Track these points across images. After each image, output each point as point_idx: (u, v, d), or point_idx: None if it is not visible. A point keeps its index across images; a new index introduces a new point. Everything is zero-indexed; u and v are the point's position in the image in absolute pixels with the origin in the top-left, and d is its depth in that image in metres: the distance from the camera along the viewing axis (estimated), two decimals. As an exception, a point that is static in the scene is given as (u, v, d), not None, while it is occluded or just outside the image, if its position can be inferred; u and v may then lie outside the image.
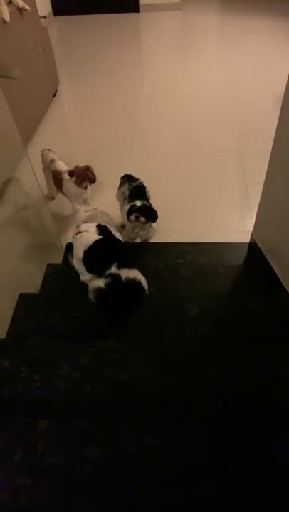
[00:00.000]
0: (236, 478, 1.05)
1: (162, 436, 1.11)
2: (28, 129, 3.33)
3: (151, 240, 2.57)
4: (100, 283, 1.62)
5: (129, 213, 2.25)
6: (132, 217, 2.23)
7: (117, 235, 1.96)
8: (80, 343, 1.50)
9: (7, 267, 2.04)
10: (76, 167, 2.38)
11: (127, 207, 2.30)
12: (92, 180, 2.42)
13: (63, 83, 4.13)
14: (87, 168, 2.37)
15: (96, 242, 1.75)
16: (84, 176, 2.36)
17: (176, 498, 1.02)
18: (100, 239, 1.77)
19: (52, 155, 2.53)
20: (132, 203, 2.25)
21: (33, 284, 2.09)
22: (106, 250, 1.76)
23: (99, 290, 1.61)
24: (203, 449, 1.09)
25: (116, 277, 1.61)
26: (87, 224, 1.91)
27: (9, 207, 2.47)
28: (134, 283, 1.63)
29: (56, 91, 3.98)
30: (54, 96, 3.94)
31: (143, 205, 2.23)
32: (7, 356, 1.44)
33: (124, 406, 1.26)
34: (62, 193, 2.54)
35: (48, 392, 1.32)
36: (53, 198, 2.84)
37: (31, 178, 2.45)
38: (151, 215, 2.27)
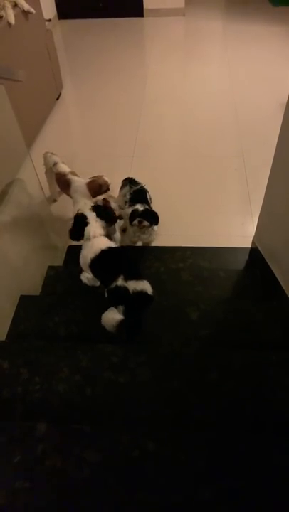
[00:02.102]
0: (235, 484, 1.04)
1: (161, 440, 1.11)
2: (31, 132, 3.34)
3: (153, 244, 2.57)
4: (117, 315, 1.57)
5: (132, 218, 2.25)
6: (136, 222, 2.23)
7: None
8: (80, 345, 1.49)
9: (8, 268, 2.04)
10: (93, 180, 2.34)
11: (128, 210, 2.31)
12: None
13: (67, 86, 4.15)
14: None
15: (104, 252, 1.75)
16: (98, 191, 2.34)
17: (175, 502, 1.01)
18: (108, 248, 1.77)
19: (54, 157, 2.53)
20: (134, 208, 2.26)
21: (34, 285, 2.09)
22: (113, 260, 1.76)
23: (120, 322, 1.55)
24: (203, 454, 1.09)
25: (123, 290, 1.59)
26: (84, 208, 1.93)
27: (11, 209, 2.47)
28: (142, 295, 1.60)
29: (60, 94, 3.99)
30: (57, 99, 3.96)
31: (145, 210, 2.24)
32: (7, 358, 1.44)
33: (124, 409, 1.26)
34: (67, 194, 2.54)
35: (48, 394, 1.31)
36: (55, 201, 2.84)
37: (34, 181, 2.46)
38: (154, 218, 2.27)
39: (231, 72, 4.41)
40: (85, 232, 1.83)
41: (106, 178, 2.31)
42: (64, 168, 2.49)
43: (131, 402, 1.29)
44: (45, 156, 2.59)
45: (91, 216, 1.87)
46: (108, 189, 2.35)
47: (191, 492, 1.03)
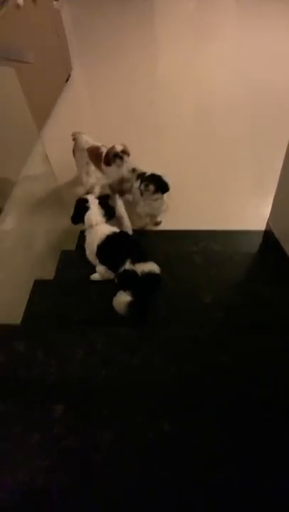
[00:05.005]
0: (248, 466, 1.05)
1: (175, 422, 1.12)
2: (41, 115, 3.31)
3: (165, 227, 2.56)
4: (126, 297, 1.60)
5: (140, 183, 2.25)
6: (142, 186, 2.22)
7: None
8: (95, 328, 1.51)
9: (22, 253, 2.06)
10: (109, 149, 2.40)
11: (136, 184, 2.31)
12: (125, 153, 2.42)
13: (76, 67, 4.08)
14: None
15: (109, 237, 1.75)
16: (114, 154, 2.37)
17: (189, 483, 1.03)
18: (114, 233, 1.77)
19: (84, 136, 2.57)
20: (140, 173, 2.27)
21: (48, 270, 2.10)
22: (119, 245, 1.76)
23: (129, 305, 1.59)
24: (216, 435, 1.10)
25: (132, 274, 1.60)
26: (90, 195, 1.95)
27: (23, 193, 2.48)
28: (151, 276, 1.61)
29: (69, 75, 3.93)
30: (67, 81, 3.90)
31: (152, 175, 2.24)
32: (23, 341, 1.46)
33: (138, 391, 1.27)
34: (100, 169, 2.55)
35: (64, 376, 1.34)
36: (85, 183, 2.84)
37: (45, 164, 2.46)
38: (161, 184, 2.24)
39: (244, 50, 4.28)
40: (86, 219, 1.83)
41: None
42: (95, 143, 2.53)
43: (145, 384, 1.30)
44: (76, 136, 2.60)
45: (93, 202, 1.87)
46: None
47: (204, 472, 1.04)
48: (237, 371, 1.33)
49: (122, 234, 1.85)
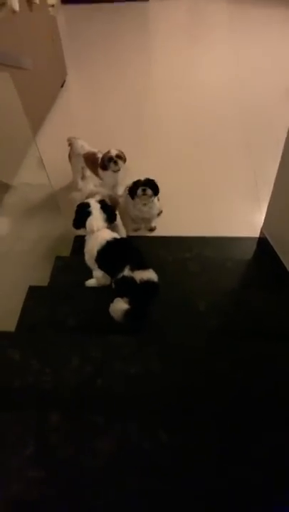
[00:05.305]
0: (248, 474, 1.05)
1: (173, 431, 1.11)
2: (36, 120, 3.31)
3: (158, 233, 2.56)
4: (123, 304, 1.59)
5: (134, 189, 2.27)
6: (140, 191, 2.25)
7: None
8: (90, 336, 1.50)
9: (16, 259, 2.04)
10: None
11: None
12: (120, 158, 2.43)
13: (71, 73, 4.09)
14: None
15: (109, 242, 1.74)
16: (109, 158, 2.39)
17: (186, 494, 1.02)
18: (114, 239, 1.76)
19: (80, 141, 2.57)
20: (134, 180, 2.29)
21: (42, 276, 2.09)
22: (119, 251, 1.75)
23: (126, 312, 1.57)
24: (215, 445, 1.09)
25: (130, 281, 1.59)
26: (92, 199, 1.92)
27: (17, 197, 2.46)
28: (149, 284, 1.61)
29: (64, 81, 3.94)
30: (62, 86, 3.91)
31: (147, 179, 2.27)
32: (18, 349, 1.44)
33: (135, 400, 1.27)
34: (96, 175, 2.56)
35: (59, 385, 1.32)
36: (81, 189, 2.83)
37: (40, 169, 2.44)
38: (155, 188, 2.29)
39: (237, 56, 4.33)
40: (87, 225, 1.81)
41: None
42: (92, 149, 2.54)
43: (142, 393, 1.29)
44: (72, 141, 2.60)
45: (95, 207, 1.86)
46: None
47: (201, 484, 1.04)
48: (233, 379, 1.33)
49: (123, 240, 1.84)
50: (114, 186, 2.57)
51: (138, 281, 1.60)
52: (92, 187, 2.42)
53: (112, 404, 1.24)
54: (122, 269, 1.63)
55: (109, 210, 1.89)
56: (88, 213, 1.82)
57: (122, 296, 1.63)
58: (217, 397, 1.28)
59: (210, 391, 1.30)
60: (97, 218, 1.81)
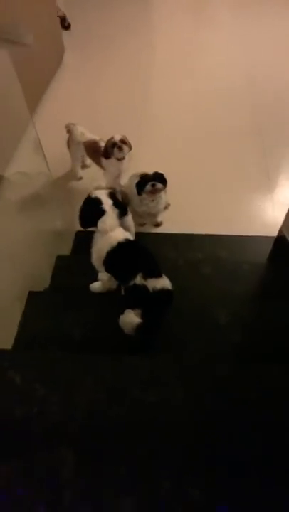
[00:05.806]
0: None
1: (207, 488, 0.94)
2: (32, 100, 3.05)
3: (166, 230, 2.37)
4: (134, 318, 1.43)
5: (142, 184, 2.09)
6: (149, 187, 2.08)
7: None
8: (101, 356, 1.32)
9: (14, 257, 1.84)
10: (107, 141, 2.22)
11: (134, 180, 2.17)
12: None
13: (69, 51, 3.80)
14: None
15: (121, 244, 1.54)
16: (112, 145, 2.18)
17: None
18: (126, 241, 1.57)
19: (79, 128, 2.37)
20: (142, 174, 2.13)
21: (42, 277, 1.89)
22: (132, 255, 1.56)
23: (138, 326, 1.42)
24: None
25: (142, 290, 1.42)
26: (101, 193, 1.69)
27: (13, 187, 2.24)
28: (163, 293, 1.43)
29: (62, 59, 3.66)
30: (59, 64, 3.62)
31: (155, 173, 2.10)
32: (19, 370, 1.25)
33: (157, 438, 1.09)
34: (97, 163, 2.37)
35: (68, 416, 1.14)
36: (81, 178, 2.65)
37: (37, 155, 2.22)
38: (164, 182, 2.13)
39: (244, 39, 4.09)
40: (101, 225, 1.59)
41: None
42: (93, 136, 2.35)
43: (164, 427, 1.12)
44: (71, 128, 2.39)
45: (107, 203, 1.63)
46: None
47: None
48: (268, 412, 1.17)
49: (136, 243, 1.64)
50: (117, 176, 2.36)
51: (151, 290, 1.42)
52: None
53: (132, 445, 1.05)
54: (133, 276, 1.45)
55: (120, 205, 1.68)
56: (100, 211, 1.59)
57: (132, 307, 1.46)
58: (259, 441, 1.11)
59: (242, 428, 1.14)
60: (110, 217, 1.59)
